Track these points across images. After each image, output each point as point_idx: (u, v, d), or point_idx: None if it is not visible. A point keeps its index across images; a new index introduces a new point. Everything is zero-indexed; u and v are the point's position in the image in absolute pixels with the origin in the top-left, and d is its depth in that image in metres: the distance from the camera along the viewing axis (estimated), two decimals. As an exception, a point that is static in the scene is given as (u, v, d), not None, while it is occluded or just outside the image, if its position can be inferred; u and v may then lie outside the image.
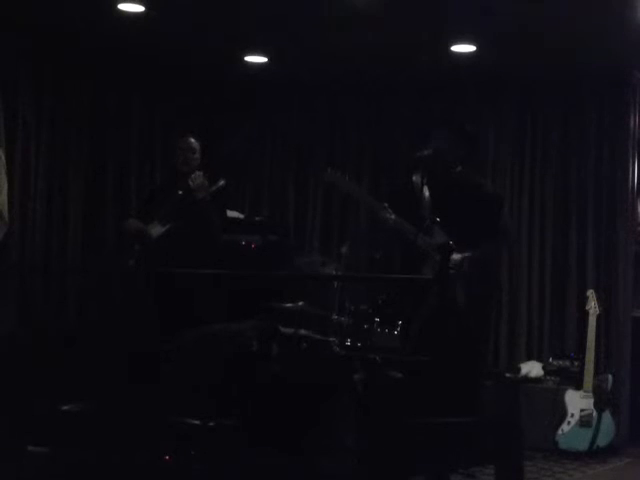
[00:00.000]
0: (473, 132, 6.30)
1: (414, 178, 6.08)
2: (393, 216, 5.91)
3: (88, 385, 6.32)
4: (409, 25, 7.24)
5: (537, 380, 7.94)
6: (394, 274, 7.79)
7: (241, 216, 8.57)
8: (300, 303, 6.96)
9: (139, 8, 7.10)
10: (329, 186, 7.48)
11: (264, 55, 8.36)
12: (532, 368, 8.05)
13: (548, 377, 7.94)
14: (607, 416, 7.52)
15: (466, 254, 5.87)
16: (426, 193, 5.98)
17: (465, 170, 6.14)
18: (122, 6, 7.07)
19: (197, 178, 6.95)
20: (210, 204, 7.00)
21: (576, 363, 7.83)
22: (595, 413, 7.49)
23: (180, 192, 7.00)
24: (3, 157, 6.63)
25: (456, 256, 5.86)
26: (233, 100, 9.38)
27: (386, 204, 5.92)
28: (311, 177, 9.42)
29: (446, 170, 6.04)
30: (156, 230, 7.01)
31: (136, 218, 7.31)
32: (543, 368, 8.03)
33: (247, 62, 8.52)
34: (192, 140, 7.17)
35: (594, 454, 7.46)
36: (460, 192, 6.01)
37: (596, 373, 7.65)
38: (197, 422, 5.90)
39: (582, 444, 7.46)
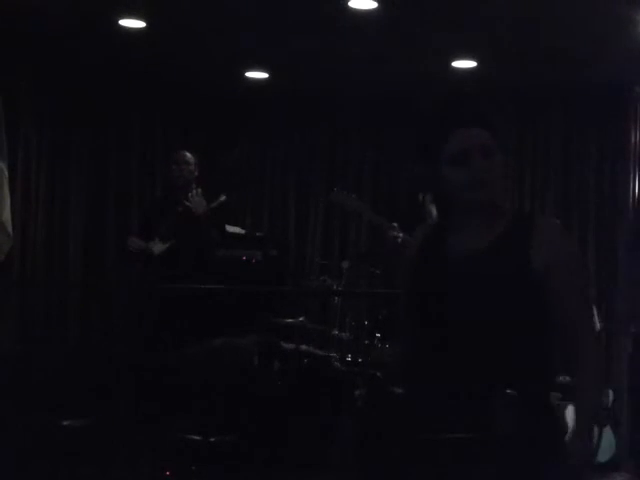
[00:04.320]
0: None
1: (419, 196, 6.08)
2: (402, 234, 5.88)
3: (89, 400, 6.32)
4: (410, 41, 7.26)
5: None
6: (395, 289, 7.79)
7: (242, 231, 8.58)
8: (301, 318, 6.96)
9: (140, 24, 7.12)
10: (336, 206, 7.49)
11: (264, 71, 8.38)
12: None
13: (549, 393, 7.92)
14: (608, 432, 7.50)
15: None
16: (433, 211, 5.98)
17: None
18: (123, 22, 7.09)
19: (195, 196, 6.93)
20: (209, 220, 6.98)
21: (577, 379, 7.80)
22: (596, 429, 7.47)
23: (180, 208, 6.98)
24: (6, 171, 6.62)
25: None
26: (233, 116, 9.39)
27: (395, 223, 5.88)
28: (312, 192, 9.43)
29: None
30: (157, 247, 7.00)
31: (137, 235, 7.31)
32: (544, 383, 8.01)
33: (247, 78, 8.54)
34: (186, 153, 7.17)
35: (595, 470, 7.43)
36: None
37: (597, 389, 7.62)
38: (198, 438, 5.90)
39: (583, 460, 7.43)
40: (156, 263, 6.95)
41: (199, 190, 6.96)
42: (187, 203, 6.90)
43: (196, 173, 7.16)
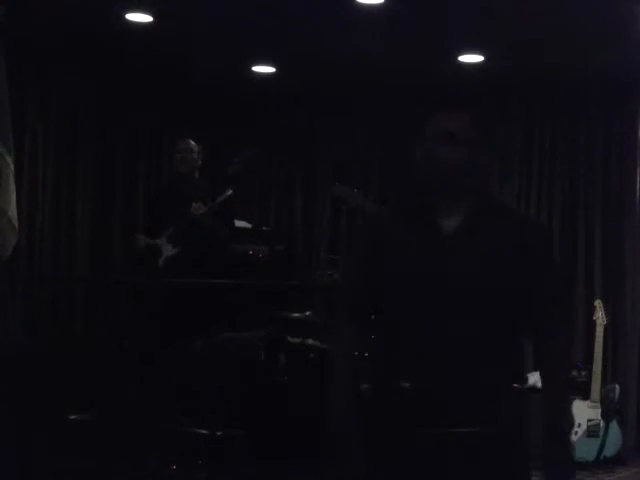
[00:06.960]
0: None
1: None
2: None
3: (95, 394, 6.33)
4: (417, 36, 7.25)
5: (544, 390, 7.91)
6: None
7: (248, 225, 8.57)
8: (308, 313, 6.96)
9: (147, 18, 7.12)
10: (337, 200, 7.52)
11: (271, 65, 8.37)
12: (540, 378, 8.02)
13: (555, 387, 7.91)
14: (614, 426, 7.50)
15: None
16: None
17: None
18: (130, 16, 7.09)
19: (198, 209, 6.89)
20: (214, 218, 6.95)
21: (583, 373, 7.80)
22: (602, 423, 7.47)
23: (187, 209, 6.94)
24: (12, 166, 6.61)
25: None
26: (240, 110, 9.38)
27: None
28: (319, 186, 9.42)
29: None
30: (167, 250, 6.99)
31: (143, 229, 7.31)
32: (550, 378, 7.99)
33: (254, 72, 8.54)
34: (190, 141, 7.17)
35: (601, 464, 7.44)
36: None
37: (603, 383, 7.63)
38: (204, 432, 5.90)
39: (589, 454, 7.43)
40: (167, 264, 6.95)
41: (200, 204, 6.91)
42: (192, 212, 6.88)
43: (200, 161, 7.16)
